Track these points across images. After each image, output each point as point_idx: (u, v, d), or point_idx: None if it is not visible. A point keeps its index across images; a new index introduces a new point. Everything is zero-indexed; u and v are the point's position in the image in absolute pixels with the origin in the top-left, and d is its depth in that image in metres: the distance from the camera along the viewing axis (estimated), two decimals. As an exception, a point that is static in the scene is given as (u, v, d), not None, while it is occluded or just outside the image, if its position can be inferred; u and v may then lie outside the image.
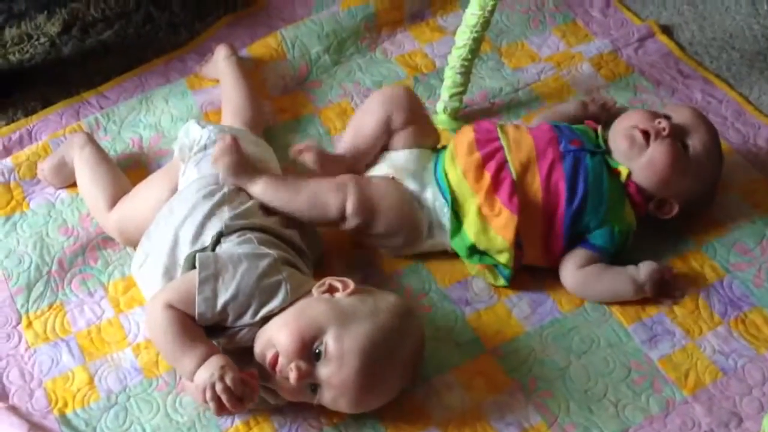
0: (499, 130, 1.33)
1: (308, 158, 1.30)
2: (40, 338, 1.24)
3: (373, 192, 1.26)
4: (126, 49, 1.67)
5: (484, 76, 1.65)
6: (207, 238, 1.17)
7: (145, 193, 1.31)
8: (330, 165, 1.31)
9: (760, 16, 1.79)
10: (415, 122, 1.35)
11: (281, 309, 1.11)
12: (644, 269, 1.27)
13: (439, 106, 1.55)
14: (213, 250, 1.17)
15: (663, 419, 1.17)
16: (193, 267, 1.14)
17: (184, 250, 1.18)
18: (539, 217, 1.27)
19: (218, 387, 1.04)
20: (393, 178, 1.30)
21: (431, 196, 1.29)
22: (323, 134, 1.54)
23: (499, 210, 1.25)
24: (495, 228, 1.25)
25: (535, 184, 1.27)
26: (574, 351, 1.24)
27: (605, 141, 1.34)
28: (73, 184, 1.41)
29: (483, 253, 1.27)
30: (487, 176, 1.27)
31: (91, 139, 1.41)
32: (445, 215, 1.28)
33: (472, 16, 1.46)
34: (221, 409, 1.05)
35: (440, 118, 1.55)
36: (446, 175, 1.30)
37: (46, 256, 1.32)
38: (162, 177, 1.33)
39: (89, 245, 1.33)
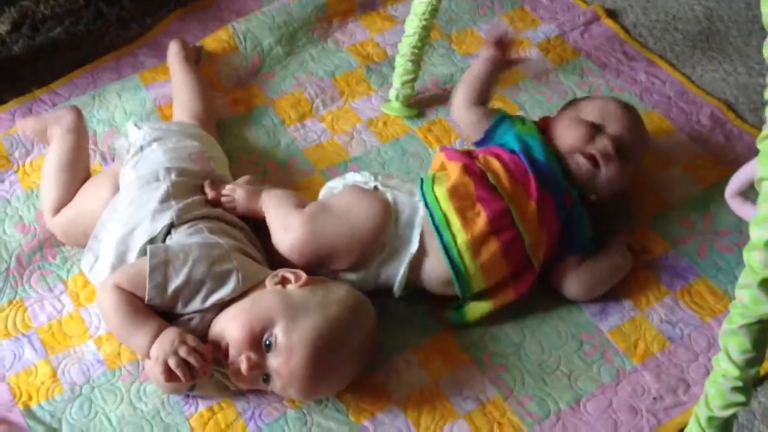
0: (510, 208, 1.23)
1: None
2: (2, 334, 1.24)
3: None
4: (77, 45, 1.67)
5: (435, 63, 1.68)
6: (155, 229, 1.19)
7: (88, 198, 1.30)
8: None
9: (701, -3, 1.84)
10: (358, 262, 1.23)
11: (233, 299, 1.12)
12: (613, 241, 1.32)
13: (392, 94, 1.58)
14: (163, 241, 1.18)
15: (614, 388, 1.21)
16: (147, 250, 1.14)
17: (134, 248, 1.18)
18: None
19: (183, 351, 1.05)
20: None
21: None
22: (278, 124, 1.55)
23: (510, 298, 1.26)
24: (493, 298, 1.26)
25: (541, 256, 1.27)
26: (528, 326, 1.27)
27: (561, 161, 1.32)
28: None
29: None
30: (509, 275, 1.25)
31: (76, 127, 1.36)
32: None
33: (420, 4, 1.48)
34: (171, 378, 1.06)
35: (393, 106, 1.58)
36: (465, 268, 1.22)
37: (4, 253, 1.32)
38: (104, 180, 1.32)
39: (47, 241, 1.34)
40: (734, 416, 0.97)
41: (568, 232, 1.28)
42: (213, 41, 1.65)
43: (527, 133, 1.34)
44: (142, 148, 1.30)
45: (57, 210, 1.32)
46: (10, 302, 1.28)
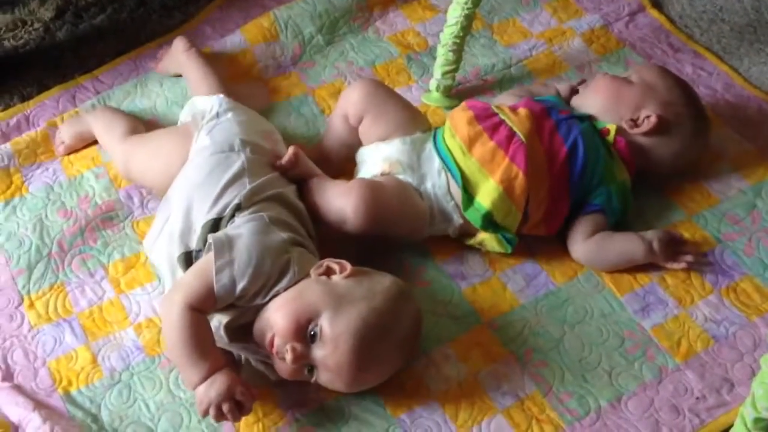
0: (493, 107, 1.36)
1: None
2: (43, 319, 1.25)
3: (378, 196, 1.26)
4: (119, 32, 1.68)
5: (477, 54, 1.66)
6: (224, 207, 1.19)
7: (159, 141, 1.35)
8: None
9: (750, -12, 1.81)
10: (380, 114, 1.35)
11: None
12: (651, 231, 1.31)
13: (432, 84, 1.56)
14: (230, 218, 1.18)
15: (656, 386, 1.19)
16: (208, 238, 1.16)
17: (199, 218, 1.19)
18: (545, 182, 1.29)
19: (225, 407, 1.07)
20: (389, 174, 1.31)
21: (431, 185, 1.30)
22: (317, 114, 1.55)
23: (516, 175, 1.28)
24: (513, 197, 1.28)
25: (540, 150, 1.30)
26: (569, 322, 1.26)
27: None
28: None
29: (496, 225, 1.29)
30: (499, 149, 1.29)
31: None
32: (448, 201, 1.30)
33: (463, -7, 1.47)
34: (221, 420, 1.09)
35: (433, 96, 1.56)
36: (450, 152, 1.31)
37: (46, 238, 1.33)
38: (179, 134, 1.34)
39: (88, 226, 1.35)
40: (782, 418, 0.95)
41: (571, 141, 1.31)
42: (254, 28, 1.65)
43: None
44: (218, 115, 1.32)
45: (129, 134, 1.38)
46: (51, 286, 1.29)
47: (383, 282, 1.14)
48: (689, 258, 1.31)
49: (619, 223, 1.34)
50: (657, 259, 1.30)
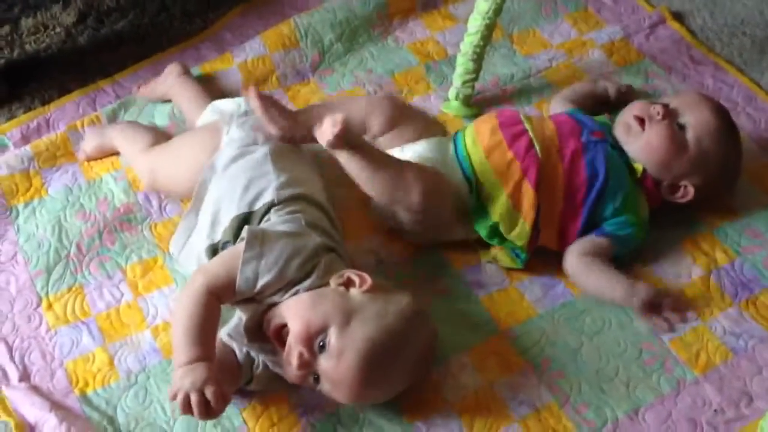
0: (521, 116, 1.35)
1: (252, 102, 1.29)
2: (61, 320, 1.26)
3: (436, 181, 1.26)
4: (140, 38, 1.69)
5: (496, 63, 1.66)
6: (253, 200, 1.20)
7: (186, 145, 1.35)
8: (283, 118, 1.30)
9: (771, 1, 1.80)
10: (403, 131, 1.35)
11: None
12: (643, 288, 1.25)
13: (452, 93, 1.56)
14: (264, 215, 1.19)
15: (674, 399, 1.18)
16: (237, 228, 1.17)
17: (227, 210, 1.20)
18: (560, 201, 1.28)
19: (194, 398, 1.04)
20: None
21: (456, 181, 1.31)
22: (336, 121, 1.55)
23: (525, 190, 1.27)
24: (521, 210, 1.27)
25: (559, 168, 1.29)
26: (586, 332, 1.25)
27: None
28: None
29: (502, 237, 1.29)
30: (515, 161, 1.28)
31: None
32: (468, 198, 1.30)
33: (484, 2, 1.47)
34: (187, 412, 1.06)
35: (452, 105, 1.56)
36: (469, 157, 1.31)
37: (65, 239, 1.34)
38: (203, 135, 1.34)
39: (106, 228, 1.35)
40: (803, 433, 0.94)
41: (593, 166, 1.29)
42: (274, 35, 1.65)
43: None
44: (246, 113, 1.34)
45: (153, 145, 1.38)
46: (69, 288, 1.29)
47: (399, 302, 1.13)
48: (664, 326, 1.25)
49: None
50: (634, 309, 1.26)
